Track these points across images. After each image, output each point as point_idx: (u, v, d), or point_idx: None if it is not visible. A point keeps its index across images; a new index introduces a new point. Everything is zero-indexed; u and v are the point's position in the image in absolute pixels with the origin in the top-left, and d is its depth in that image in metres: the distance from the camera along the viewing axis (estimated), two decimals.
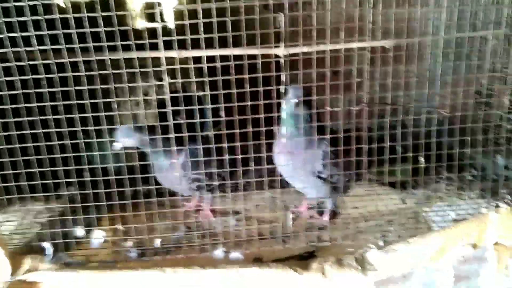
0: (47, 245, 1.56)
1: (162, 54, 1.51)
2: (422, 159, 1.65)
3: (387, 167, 1.78)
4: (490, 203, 1.67)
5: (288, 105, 1.60)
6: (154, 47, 1.48)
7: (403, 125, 1.97)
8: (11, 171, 1.54)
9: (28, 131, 1.48)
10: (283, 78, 1.45)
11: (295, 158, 1.67)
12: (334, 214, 1.88)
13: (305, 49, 1.58)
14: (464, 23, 1.96)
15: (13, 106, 1.45)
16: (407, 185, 2.01)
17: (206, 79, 1.48)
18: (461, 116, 1.74)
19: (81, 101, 1.45)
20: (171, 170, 1.69)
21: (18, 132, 1.48)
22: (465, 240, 1.53)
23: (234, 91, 1.47)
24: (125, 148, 1.70)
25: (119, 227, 1.69)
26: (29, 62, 1.40)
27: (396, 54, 1.61)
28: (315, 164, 1.70)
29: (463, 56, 1.92)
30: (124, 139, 1.70)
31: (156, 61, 1.53)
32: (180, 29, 1.45)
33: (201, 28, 1.42)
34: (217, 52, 1.49)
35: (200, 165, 1.67)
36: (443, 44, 1.84)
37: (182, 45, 1.51)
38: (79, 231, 1.64)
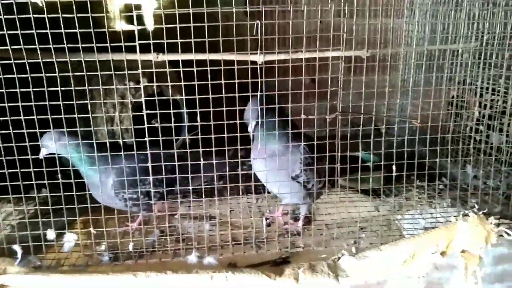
0: (16, 248, 1.52)
1: (139, 57, 1.50)
2: (394, 168, 1.68)
3: (359, 175, 1.82)
4: (459, 212, 1.71)
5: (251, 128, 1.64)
6: (131, 49, 1.48)
7: (377, 134, 2.01)
8: None
9: None
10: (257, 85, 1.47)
11: (272, 163, 1.69)
12: (308, 221, 1.90)
13: (282, 56, 1.61)
14: (436, 36, 2.03)
15: None
16: (380, 193, 2.06)
17: (182, 83, 1.49)
18: (432, 126, 1.79)
19: (56, 102, 1.43)
20: (103, 187, 1.63)
21: None
22: (434, 247, 1.57)
23: (210, 96, 1.48)
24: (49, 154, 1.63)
25: (92, 230, 1.66)
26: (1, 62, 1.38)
27: (370, 64, 1.66)
28: (293, 168, 1.72)
29: (434, 68, 1.98)
30: (47, 144, 1.62)
31: (132, 64, 1.52)
32: (158, 33, 1.46)
33: (178, 33, 1.42)
34: (194, 56, 1.50)
35: (136, 181, 1.62)
36: (416, 56, 1.91)
37: (158, 49, 1.51)
38: (50, 234, 1.61)
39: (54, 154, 1.61)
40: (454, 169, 2.17)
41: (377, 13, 1.77)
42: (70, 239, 1.63)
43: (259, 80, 1.45)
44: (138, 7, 1.89)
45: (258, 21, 1.35)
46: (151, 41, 1.43)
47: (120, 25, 2.71)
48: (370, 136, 1.70)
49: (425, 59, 2.17)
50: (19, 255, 1.53)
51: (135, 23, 1.41)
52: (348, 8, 1.59)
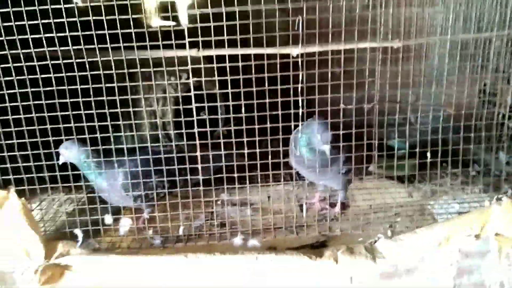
0: (78, 232, 1.66)
1: (187, 52, 1.61)
2: (428, 155, 1.74)
3: (395, 162, 1.88)
4: (492, 197, 1.76)
5: (304, 137, 1.71)
6: (166, 46, 1.56)
7: (411, 123, 2.07)
8: (33, 163, 1.64)
9: (48, 126, 1.59)
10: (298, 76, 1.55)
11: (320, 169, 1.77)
12: (344, 206, 1.99)
13: (320, 48, 1.68)
14: (469, 25, 2.06)
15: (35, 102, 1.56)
16: (413, 179, 2.12)
17: (228, 77, 1.58)
18: (466, 114, 1.84)
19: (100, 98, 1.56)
20: (112, 190, 1.71)
21: (40, 127, 1.59)
22: (468, 230, 1.63)
23: (254, 89, 1.57)
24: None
25: (145, 215, 1.79)
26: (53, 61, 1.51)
27: (405, 54, 1.71)
28: (338, 164, 1.80)
29: (468, 56, 2.02)
30: (65, 152, 1.70)
31: (171, 60, 1.61)
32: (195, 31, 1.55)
33: (225, 29, 1.52)
34: (238, 51, 1.59)
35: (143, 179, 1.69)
36: (449, 45, 1.94)
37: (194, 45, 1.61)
38: (108, 219, 1.75)
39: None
40: (487, 156, 2.21)
41: (411, 2, 1.83)
42: (125, 223, 1.76)
43: (300, 72, 1.53)
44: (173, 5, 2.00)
45: (300, 17, 1.43)
46: (199, 38, 1.53)
47: (158, 24, 2.84)
48: (402, 125, 1.76)
49: (459, 48, 2.20)
50: (80, 238, 1.66)
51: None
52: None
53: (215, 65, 1.61)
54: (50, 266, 1.56)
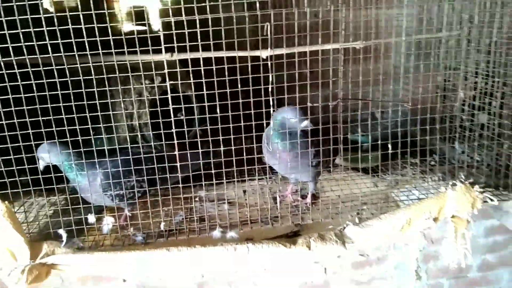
0: (61, 232, 1.72)
1: (162, 57, 1.70)
2: (390, 146, 1.90)
3: (359, 155, 2.04)
4: (448, 183, 1.92)
5: (276, 131, 1.84)
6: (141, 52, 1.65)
7: (373, 117, 2.23)
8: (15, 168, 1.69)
9: (30, 130, 1.65)
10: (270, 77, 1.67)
11: (292, 162, 1.90)
12: (314, 197, 2.12)
13: (287, 50, 1.81)
14: (424, 26, 2.23)
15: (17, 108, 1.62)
16: (377, 171, 2.28)
17: (203, 80, 1.68)
18: (425, 108, 2.01)
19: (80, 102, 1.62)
20: (92, 191, 1.77)
21: (22, 132, 1.66)
22: (427, 214, 1.79)
23: (228, 90, 1.68)
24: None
25: (127, 213, 1.87)
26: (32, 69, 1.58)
27: (369, 54, 1.86)
28: (309, 158, 1.93)
29: (425, 55, 2.20)
30: (45, 155, 1.75)
31: (146, 64, 1.70)
32: (169, 36, 1.64)
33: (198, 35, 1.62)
34: (210, 54, 1.70)
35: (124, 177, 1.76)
36: (407, 45, 2.11)
37: (169, 50, 1.70)
38: (91, 218, 1.81)
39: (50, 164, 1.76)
40: (444, 147, 2.39)
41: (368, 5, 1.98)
42: (108, 222, 1.83)
43: (270, 74, 1.65)
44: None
45: (268, 23, 1.55)
46: (174, 44, 1.62)
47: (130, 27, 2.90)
48: (366, 120, 1.91)
49: (413, 48, 2.37)
50: (64, 238, 1.72)
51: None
52: (344, 5, 1.81)
53: (190, 68, 1.69)
54: (36, 265, 1.62)
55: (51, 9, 1.66)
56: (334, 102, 1.70)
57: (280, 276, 2.09)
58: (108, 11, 1.54)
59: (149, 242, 1.80)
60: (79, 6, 1.51)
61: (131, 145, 1.81)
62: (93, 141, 1.83)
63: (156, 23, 2.94)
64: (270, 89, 1.63)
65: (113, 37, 1.57)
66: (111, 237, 1.82)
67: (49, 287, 1.98)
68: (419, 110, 1.98)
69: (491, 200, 1.85)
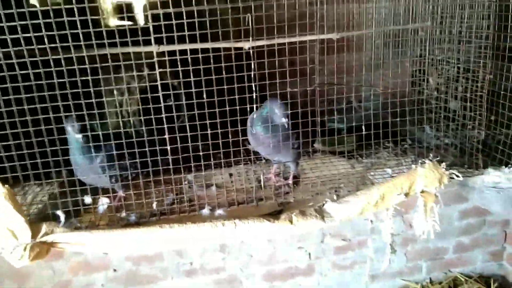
0: (59, 213, 1.83)
1: (150, 48, 1.82)
2: (363, 128, 2.05)
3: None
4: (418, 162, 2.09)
5: (260, 115, 1.98)
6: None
7: (350, 107, 2.39)
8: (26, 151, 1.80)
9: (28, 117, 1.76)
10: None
11: (275, 145, 2.04)
12: (296, 178, 2.27)
13: (267, 42, 1.95)
14: (398, 17, 2.40)
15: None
16: (355, 154, 2.44)
17: (190, 68, 1.81)
18: (395, 95, 2.17)
19: (76, 90, 1.73)
20: (90, 168, 1.89)
21: (22, 118, 1.76)
22: (399, 190, 1.95)
23: (213, 77, 1.81)
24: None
25: (121, 194, 1.99)
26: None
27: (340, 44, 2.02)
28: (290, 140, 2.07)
29: (397, 45, 2.36)
30: (70, 128, 1.85)
31: (136, 55, 1.82)
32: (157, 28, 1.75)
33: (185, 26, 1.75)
34: (197, 46, 1.83)
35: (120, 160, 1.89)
36: (380, 36, 2.27)
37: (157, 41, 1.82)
38: (87, 199, 1.93)
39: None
40: (416, 131, 2.57)
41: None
42: (103, 202, 1.95)
43: (252, 62, 1.79)
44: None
45: (249, 14, 1.69)
46: (163, 35, 1.74)
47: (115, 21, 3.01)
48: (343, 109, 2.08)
49: (383, 38, 2.54)
50: (62, 218, 1.84)
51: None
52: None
53: (177, 57, 1.82)
54: (37, 243, 1.73)
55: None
56: (311, 87, 1.85)
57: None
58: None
59: (142, 221, 1.92)
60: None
61: (124, 130, 1.92)
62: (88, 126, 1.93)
63: (142, 16, 3.06)
64: (252, 76, 1.77)
65: (102, 29, 1.68)
66: (106, 217, 1.94)
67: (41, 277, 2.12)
68: (389, 96, 2.14)
69: (457, 176, 2.01)
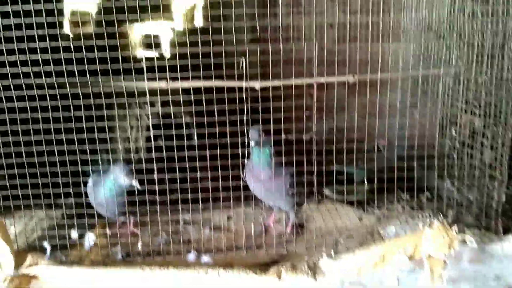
0: (46, 245, 1.83)
1: (157, 84, 1.83)
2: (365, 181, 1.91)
3: (344, 187, 2.05)
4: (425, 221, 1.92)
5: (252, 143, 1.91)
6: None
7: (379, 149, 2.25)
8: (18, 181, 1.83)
9: (33, 148, 1.78)
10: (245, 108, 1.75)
11: (268, 184, 1.96)
12: (297, 227, 2.14)
13: (276, 83, 1.89)
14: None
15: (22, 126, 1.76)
16: (365, 204, 2.28)
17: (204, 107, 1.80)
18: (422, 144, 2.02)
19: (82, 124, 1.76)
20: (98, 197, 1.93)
21: (25, 148, 1.79)
22: (402, 251, 1.78)
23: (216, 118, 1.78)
24: None
25: (107, 231, 1.96)
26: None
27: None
28: (286, 186, 1.98)
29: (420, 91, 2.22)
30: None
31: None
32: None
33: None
34: (205, 83, 1.82)
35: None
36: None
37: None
38: (73, 234, 1.92)
39: None
40: (436, 183, 2.37)
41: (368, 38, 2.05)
42: (90, 238, 1.93)
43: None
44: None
45: (243, 57, 1.63)
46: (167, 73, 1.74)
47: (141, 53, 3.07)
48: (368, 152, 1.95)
49: (409, 83, 2.39)
50: (48, 251, 1.83)
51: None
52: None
53: (193, 96, 1.82)
54: (19, 275, 1.73)
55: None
56: (307, 135, 1.75)
57: None
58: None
59: (128, 260, 1.88)
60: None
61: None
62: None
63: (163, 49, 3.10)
64: (245, 120, 1.71)
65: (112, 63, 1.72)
66: (91, 253, 1.91)
67: None
68: (405, 145, 1.99)
69: (471, 242, 1.81)
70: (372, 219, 2.23)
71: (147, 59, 1.85)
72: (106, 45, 1.70)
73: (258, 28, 1.73)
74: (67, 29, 2.63)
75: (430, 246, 1.78)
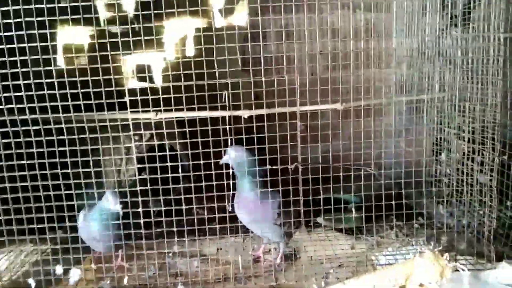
0: (31, 281, 1.80)
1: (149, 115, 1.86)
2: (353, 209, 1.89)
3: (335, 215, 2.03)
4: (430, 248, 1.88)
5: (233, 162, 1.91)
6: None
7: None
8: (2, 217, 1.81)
9: (19, 184, 1.77)
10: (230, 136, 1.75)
11: (254, 210, 1.94)
12: (287, 258, 2.11)
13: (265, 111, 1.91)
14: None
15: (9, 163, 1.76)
16: (360, 231, 2.25)
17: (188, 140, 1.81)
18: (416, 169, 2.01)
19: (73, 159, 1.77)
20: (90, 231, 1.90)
21: (11, 185, 1.78)
22: (393, 281, 1.74)
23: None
24: None
25: (93, 266, 1.93)
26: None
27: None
28: (272, 213, 1.95)
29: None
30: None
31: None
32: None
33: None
34: (192, 114, 1.86)
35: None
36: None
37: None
38: (58, 269, 1.89)
39: None
40: (430, 209, 2.35)
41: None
42: (75, 274, 1.90)
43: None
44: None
45: (226, 91, 1.65)
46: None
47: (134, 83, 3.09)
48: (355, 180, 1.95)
49: (398, 108, 2.40)
50: (33, 287, 1.80)
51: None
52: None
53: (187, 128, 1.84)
54: None
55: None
56: (292, 165, 1.74)
57: None
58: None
59: None
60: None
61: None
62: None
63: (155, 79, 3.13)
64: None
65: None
66: None
67: None
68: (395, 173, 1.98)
69: (462, 270, 1.77)
70: (364, 247, 2.19)
71: (137, 90, 1.86)
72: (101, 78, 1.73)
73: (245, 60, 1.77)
74: (60, 62, 2.68)
75: (422, 275, 1.75)
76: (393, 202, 2.00)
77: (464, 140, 2.15)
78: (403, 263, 1.80)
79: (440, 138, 2.42)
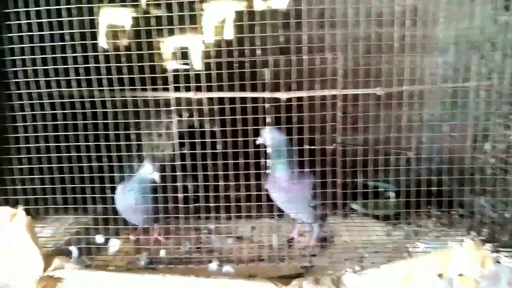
0: (73, 249, 1.87)
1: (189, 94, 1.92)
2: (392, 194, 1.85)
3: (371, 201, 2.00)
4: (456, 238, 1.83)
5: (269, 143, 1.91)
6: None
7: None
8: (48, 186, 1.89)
9: (64, 154, 1.84)
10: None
11: (288, 190, 1.93)
12: (322, 240, 2.10)
13: (300, 94, 1.89)
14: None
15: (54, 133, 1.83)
16: (397, 218, 2.21)
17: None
18: (455, 158, 1.95)
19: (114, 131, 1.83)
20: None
21: (57, 154, 1.85)
22: (430, 269, 1.70)
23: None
24: None
25: (131, 237, 1.99)
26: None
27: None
28: (307, 194, 1.95)
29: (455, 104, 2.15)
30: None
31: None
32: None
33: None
34: (236, 94, 1.87)
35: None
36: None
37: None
38: (99, 239, 1.95)
39: None
40: (470, 199, 2.27)
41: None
42: (114, 244, 1.96)
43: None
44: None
45: (267, 69, 1.64)
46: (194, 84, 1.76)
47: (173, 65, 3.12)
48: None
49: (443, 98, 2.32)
50: (74, 255, 1.87)
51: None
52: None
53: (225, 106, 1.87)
54: (45, 277, 1.77)
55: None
56: (331, 146, 1.72)
57: None
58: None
59: (150, 267, 1.89)
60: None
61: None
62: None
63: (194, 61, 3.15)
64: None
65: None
66: (116, 258, 1.94)
67: None
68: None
69: (506, 261, 1.71)
70: (401, 235, 2.15)
71: (178, 71, 1.90)
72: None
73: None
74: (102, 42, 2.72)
75: (461, 264, 1.71)
76: (432, 189, 1.94)
77: (510, 129, 2.06)
78: (441, 252, 1.75)
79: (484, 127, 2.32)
